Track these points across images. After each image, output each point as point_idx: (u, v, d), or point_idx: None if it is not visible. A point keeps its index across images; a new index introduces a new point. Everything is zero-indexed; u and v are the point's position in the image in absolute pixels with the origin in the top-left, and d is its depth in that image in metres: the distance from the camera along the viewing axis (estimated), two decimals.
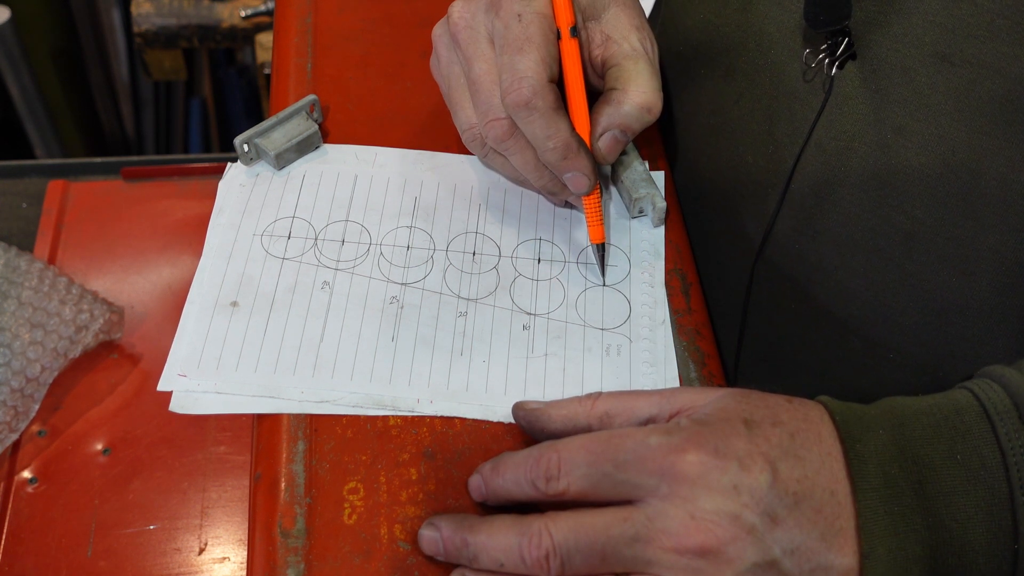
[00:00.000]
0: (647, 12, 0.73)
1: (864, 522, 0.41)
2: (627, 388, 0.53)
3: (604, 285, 0.58)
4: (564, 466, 0.43)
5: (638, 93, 0.56)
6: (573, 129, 0.55)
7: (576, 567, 0.42)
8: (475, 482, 0.48)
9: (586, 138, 0.56)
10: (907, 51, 0.48)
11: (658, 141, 0.67)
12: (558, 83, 0.55)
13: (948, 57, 0.47)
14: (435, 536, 0.46)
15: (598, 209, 0.58)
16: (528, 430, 0.50)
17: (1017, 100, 0.46)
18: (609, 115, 0.56)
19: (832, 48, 0.51)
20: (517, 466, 0.45)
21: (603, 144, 0.57)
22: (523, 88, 0.52)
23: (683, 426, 0.43)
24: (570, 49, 0.56)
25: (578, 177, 0.56)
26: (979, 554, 0.42)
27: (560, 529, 0.42)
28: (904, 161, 0.50)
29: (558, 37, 0.55)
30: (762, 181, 0.57)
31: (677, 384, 0.54)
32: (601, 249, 0.58)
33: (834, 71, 0.51)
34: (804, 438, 0.43)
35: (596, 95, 0.58)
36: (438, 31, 0.59)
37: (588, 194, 0.57)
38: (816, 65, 0.52)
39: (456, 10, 0.57)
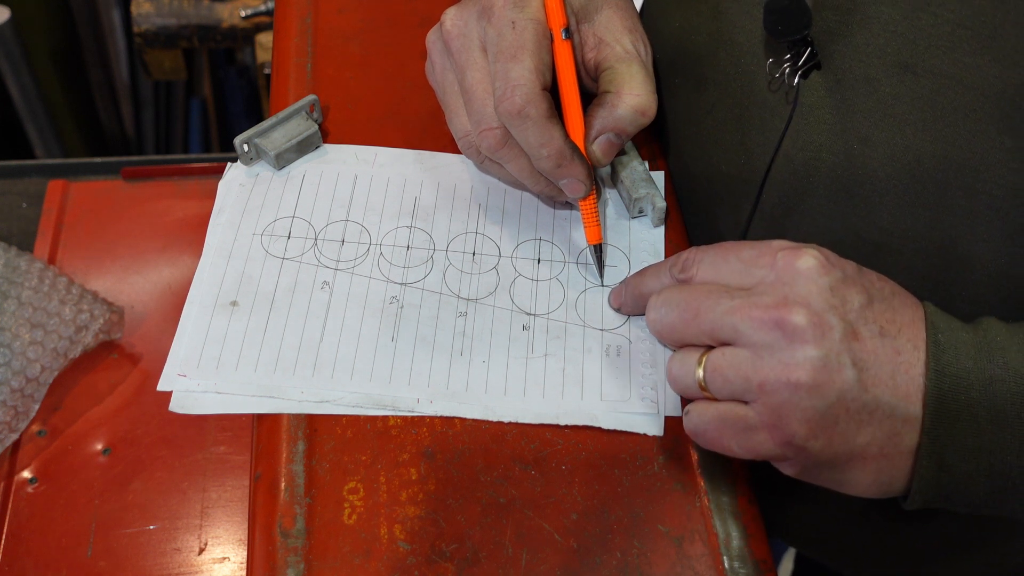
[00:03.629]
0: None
1: (931, 400, 0.44)
2: (627, 388, 0.53)
3: (603, 285, 0.58)
4: (698, 256, 0.50)
5: (632, 96, 0.56)
6: (567, 136, 0.55)
7: (672, 320, 0.48)
8: (616, 290, 0.56)
9: (580, 142, 0.56)
10: (870, 61, 0.48)
11: (657, 141, 0.67)
12: (552, 88, 0.55)
13: (911, 67, 0.47)
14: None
15: (595, 210, 0.58)
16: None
17: (980, 110, 0.46)
18: (603, 118, 0.56)
19: (795, 58, 0.50)
20: (660, 265, 0.53)
21: (598, 147, 0.57)
22: (516, 96, 0.52)
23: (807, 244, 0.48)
24: (563, 52, 0.56)
25: (573, 183, 0.56)
26: None
27: (671, 290, 0.49)
28: (870, 172, 0.50)
29: (551, 41, 0.55)
30: (735, 191, 0.57)
31: None
32: (598, 250, 0.58)
33: (797, 81, 0.51)
34: (902, 301, 0.47)
35: (590, 97, 0.58)
36: (432, 38, 0.59)
37: (584, 197, 0.57)
38: (780, 75, 0.52)
39: (448, 18, 0.57)
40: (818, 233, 0.53)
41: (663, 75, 0.64)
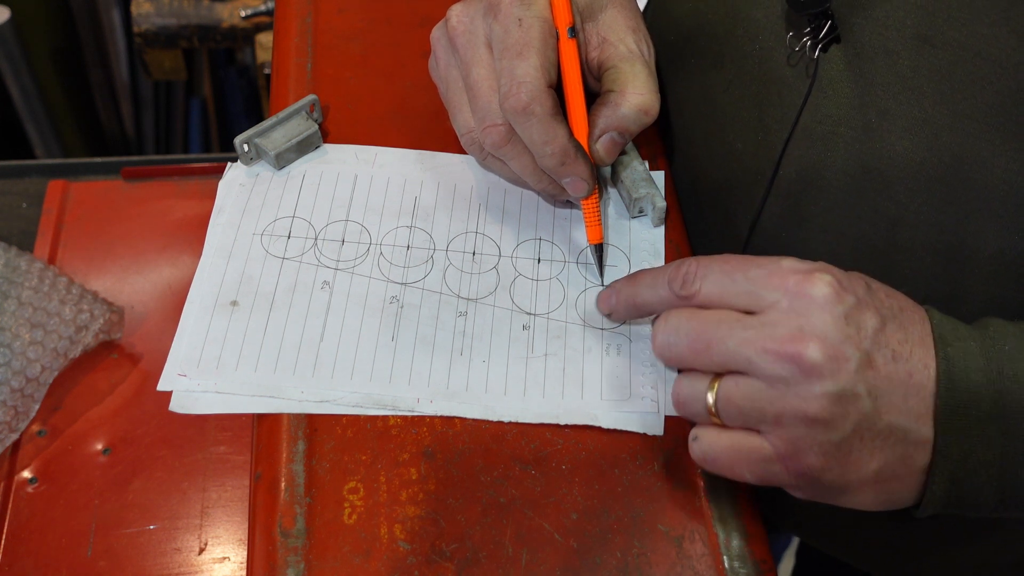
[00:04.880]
0: (643, 3, 0.73)
1: (942, 419, 0.44)
2: (627, 388, 0.53)
3: (603, 285, 0.58)
4: (701, 271, 0.47)
5: (635, 95, 0.56)
6: (571, 134, 0.55)
7: (681, 349, 0.46)
8: (605, 294, 0.54)
9: (584, 140, 0.56)
10: (889, 33, 0.48)
11: (657, 140, 0.67)
12: (557, 87, 0.55)
13: (930, 39, 0.47)
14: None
15: (596, 210, 0.58)
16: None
17: (997, 83, 0.46)
18: (607, 117, 0.56)
19: (815, 31, 0.51)
20: (655, 274, 0.50)
21: (601, 146, 0.57)
22: (521, 93, 0.52)
23: (814, 261, 0.46)
24: (568, 50, 0.56)
25: (576, 182, 0.56)
26: None
27: (679, 314, 0.47)
28: (888, 145, 0.50)
29: (556, 39, 0.55)
30: (752, 169, 0.57)
31: None
32: (599, 249, 0.58)
33: (817, 54, 0.51)
34: (910, 316, 0.46)
35: (593, 97, 0.58)
36: (436, 34, 0.59)
37: (587, 196, 0.57)
38: (800, 48, 0.52)
39: (454, 14, 0.57)
40: (835, 208, 0.53)
41: (677, 55, 0.64)
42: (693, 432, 0.47)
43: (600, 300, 0.55)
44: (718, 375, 0.46)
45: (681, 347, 0.46)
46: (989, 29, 0.45)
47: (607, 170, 0.62)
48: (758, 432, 0.45)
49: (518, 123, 0.54)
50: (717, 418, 0.46)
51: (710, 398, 0.46)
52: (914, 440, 0.44)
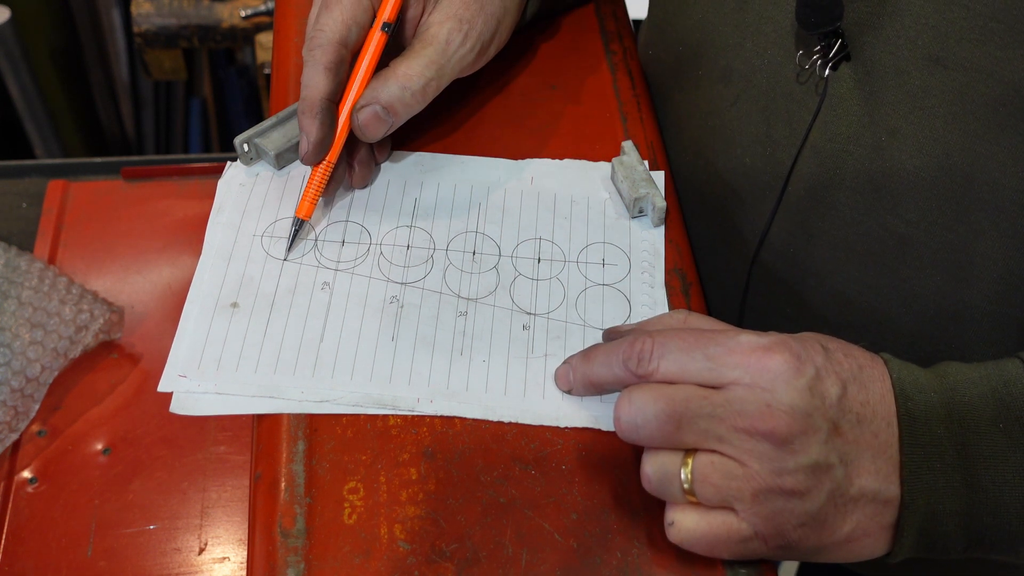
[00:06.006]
0: (642, 11, 0.73)
1: (908, 475, 0.44)
2: None
3: (287, 259, 0.57)
4: (657, 349, 0.46)
5: (403, 75, 0.57)
6: (331, 96, 0.57)
7: (651, 431, 0.45)
8: (562, 371, 0.52)
9: (346, 113, 0.58)
10: (900, 53, 0.49)
11: (658, 140, 0.67)
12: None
13: (941, 60, 0.47)
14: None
15: (318, 186, 0.58)
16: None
17: (1010, 104, 0.46)
18: (373, 88, 0.57)
19: (825, 49, 0.51)
20: (609, 351, 0.48)
21: (361, 116, 0.57)
22: (314, 38, 0.56)
23: (771, 334, 0.46)
24: (374, 39, 0.58)
25: (303, 139, 0.57)
26: (1012, 516, 0.44)
27: (642, 394, 0.45)
28: (898, 164, 0.50)
29: (372, 22, 0.58)
30: (759, 183, 0.57)
31: None
32: (298, 223, 0.58)
33: (827, 72, 0.51)
34: (870, 373, 0.46)
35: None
36: None
37: (309, 163, 0.58)
38: (810, 66, 0.52)
39: None
40: (844, 225, 0.53)
41: (681, 67, 0.64)
42: (668, 517, 0.46)
43: (558, 377, 0.53)
44: (687, 452, 0.45)
45: (650, 428, 0.45)
46: (1003, 52, 0.45)
47: (607, 169, 0.62)
48: (733, 510, 0.45)
49: (304, 61, 0.57)
50: (692, 496, 0.45)
51: (684, 477, 0.45)
52: (883, 499, 0.45)
